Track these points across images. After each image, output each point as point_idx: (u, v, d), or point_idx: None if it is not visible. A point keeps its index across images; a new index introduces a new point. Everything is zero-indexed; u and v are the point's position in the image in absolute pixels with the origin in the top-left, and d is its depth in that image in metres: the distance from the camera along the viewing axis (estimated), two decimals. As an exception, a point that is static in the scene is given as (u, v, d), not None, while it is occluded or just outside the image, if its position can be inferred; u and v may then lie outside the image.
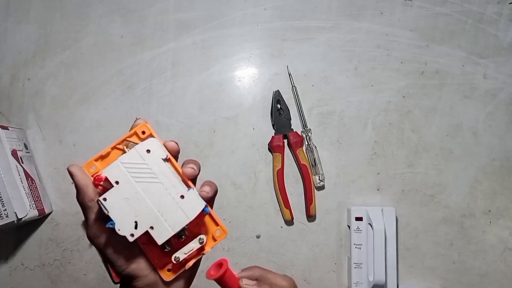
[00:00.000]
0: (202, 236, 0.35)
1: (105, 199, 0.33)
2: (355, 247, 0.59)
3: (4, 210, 0.52)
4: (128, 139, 0.35)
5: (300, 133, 0.62)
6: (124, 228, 0.32)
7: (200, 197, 0.34)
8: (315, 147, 0.62)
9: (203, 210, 0.34)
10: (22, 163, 0.57)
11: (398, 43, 0.64)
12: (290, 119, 0.63)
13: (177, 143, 0.34)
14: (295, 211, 0.62)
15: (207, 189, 0.34)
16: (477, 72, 0.63)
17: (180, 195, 0.33)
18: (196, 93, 0.63)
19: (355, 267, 0.58)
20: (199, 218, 0.34)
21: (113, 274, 0.61)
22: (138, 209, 0.33)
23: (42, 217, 0.61)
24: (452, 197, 0.62)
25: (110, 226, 0.32)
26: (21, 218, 0.53)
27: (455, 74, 0.63)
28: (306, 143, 0.62)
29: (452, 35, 0.64)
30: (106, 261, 0.36)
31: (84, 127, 0.63)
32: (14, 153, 0.56)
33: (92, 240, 0.34)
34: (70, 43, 0.64)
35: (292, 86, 0.63)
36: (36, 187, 0.59)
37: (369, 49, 0.64)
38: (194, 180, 0.35)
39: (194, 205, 0.33)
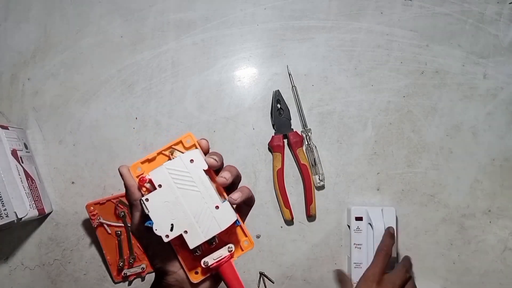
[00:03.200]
0: (231, 245, 0.37)
1: (147, 200, 0.35)
2: (355, 247, 0.59)
3: (4, 210, 0.52)
4: (173, 146, 0.38)
5: (300, 133, 0.62)
6: (161, 228, 0.35)
7: (233, 209, 0.36)
8: (315, 147, 0.62)
9: (234, 222, 0.36)
10: (22, 163, 0.57)
11: (398, 43, 0.64)
12: (290, 119, 0.63)
13: (207, 141, 0.38)
14: (295, 211, 0.62)
15: (235, 196, 0.36)
16: (477, 72, 0.63)
17: (215, 205, 0.35)
18: (196, 93, 0.63)
19: (355, 267, 0.58)
20: (230, 228, 0.36)
21: (114, 274, 0.61)
22: (175, 213, 0.35)
23: (42, 217, 0.61)
24: (452, 197, 0.62)
25: (149, 225, 0.35)
26: (21, 218, 0.53)
27: (455, 74, 0.63)
28: (306, 143, 0.62)
29: (452, 35, 0.64)
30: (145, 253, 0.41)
31: (84, 127, 0.63)
32: (14, 153, 0.56)
33: (134, 234, 0.39)
34: (70, 43, 0.64)
35: (292, 86, 0.63)
36: (36, 187, 0.59)
37: (369, 49, 0.64)
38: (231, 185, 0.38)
39: (227, 216, 0.36)
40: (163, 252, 0.38)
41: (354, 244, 0.59)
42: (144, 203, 0.35)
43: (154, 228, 0.35)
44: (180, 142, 0.38)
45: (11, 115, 0.63)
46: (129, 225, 0.60)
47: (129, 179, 0.37)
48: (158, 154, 0.38)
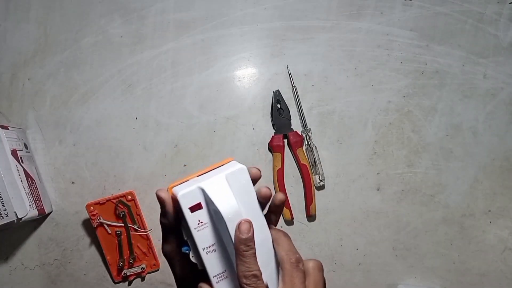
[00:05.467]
0: None
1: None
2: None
3: (4, 210, 0.52)
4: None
5: (300, 133, 0.62)
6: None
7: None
8: (315, 147, 0.62)
9: None
10: (22, 163, 0.57)
11: (398, 43, 0.64)
12: (290, 119, 0.63)
13: (259, 170, 0.35)
14: (295, 211, 0.62)
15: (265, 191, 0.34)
16: (477, 72, 0.63)
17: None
18: (196, 93, 0.63)
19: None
20: None
21: (113, 274, 0.61)
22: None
23: (42, 217, 0.61)
24: (452, 197, 0.62)
25: (186, 251, 0.33)
26: (21, 218, 0.53)
27: (455, 74, 0.63)
28: (306, 143, 0.62)
29: (452, 35, 0.64)
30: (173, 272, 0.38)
31: (84, 127, 0.63)
32: (14, 153, 0.56)
33: (165, 255, 0.36)
34: (70, 43, 0.64)
35: (292, 86, 0.63)
36: (36, 187, 0.59)
37: (369, 49, 0.64)
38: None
39: None
40: (193, 275, 0.36)
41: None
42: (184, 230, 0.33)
43: (190, 255, 0.33)
44: (222, 166, 0.35)
45: (11, 115, 0.63)
46: (129, 225, 0.60)
47: (170, 205, 0.34)
48: (198, 176, 0.35)
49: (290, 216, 0.61)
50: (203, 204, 0.32)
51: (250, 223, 0.32)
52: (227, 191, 0.31)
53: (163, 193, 0.34)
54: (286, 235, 0.35)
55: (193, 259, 0.33)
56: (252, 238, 0.31)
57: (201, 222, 0.32)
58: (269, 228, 0.34)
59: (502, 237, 0.61)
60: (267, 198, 0.34)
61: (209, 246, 0.32)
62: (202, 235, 0.32)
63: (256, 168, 0.35)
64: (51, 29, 0.64)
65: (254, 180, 0.34)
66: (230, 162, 0.34)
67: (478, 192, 0.62)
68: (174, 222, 0.34)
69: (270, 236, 0.33)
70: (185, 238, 0.33)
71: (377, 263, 0.61)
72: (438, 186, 0.62)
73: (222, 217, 0.30)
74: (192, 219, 0.31)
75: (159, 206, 0.34)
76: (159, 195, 0.34)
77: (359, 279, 0.61)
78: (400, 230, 0.61)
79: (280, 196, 0.36)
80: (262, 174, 0.35)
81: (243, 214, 0.32)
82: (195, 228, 0.32)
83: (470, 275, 0.61)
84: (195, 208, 0.32)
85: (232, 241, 0.31)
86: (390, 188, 0.62)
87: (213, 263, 0.32)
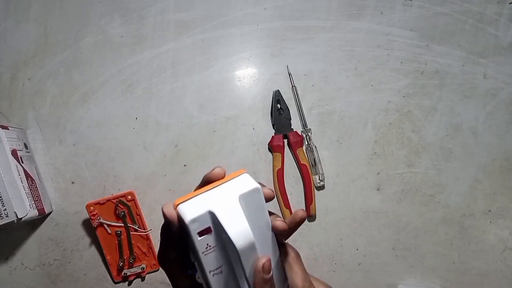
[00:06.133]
0: None
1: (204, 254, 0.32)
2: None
3: (4, 210, 0.52)
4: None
5: (300, 133, 0.62)
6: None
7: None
8: (315, 147, 0.62)
9: None
10: (22, 163, 0.57)
11: (398, 43, 0.64)
12: (290, 119, 0.63)
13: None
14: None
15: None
16: (477, 72, 0.63)
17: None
18: (196, 93, 0.63)
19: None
20: None
21: (113, 274, 0.61)
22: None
23: (42, 217, 0.61)
24: (452, 197, 0.62)
25: (192, 274, 0.33)
26: (21, 218, 0.53)
27: (455, 74, 0.63)
28: (306, 143, 0.62)
29: (452, 35, 0.64)
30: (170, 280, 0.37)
31: (84, 127, 0.63)
32: (14, 153, 0.56)
33: (163, 266, 0.35)
34: (70, 43, 0.64)
35: (292, 86, 0.63)
36: (36, 187, 0.59)
37: (369, 49, 0.64)
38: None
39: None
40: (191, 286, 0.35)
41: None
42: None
43: (196, 277, 0.32)
44: (233, 179, 0.33)
45: (11, 115, 0.63)
46: (129, 225, 0.60)
47: (176, 224, 0.31)
48: (207, 191, 0.32)
49: (290, 216, 0.61)
50: (212, 228, 0.30)
51: (270, 260, 0.30)
52: (241, 218, 0.29)
53: (170, 210, 0.31)
54: (297, 256, 0.34)
55: (199, 280, 0.32)
56: (272, 277, 0.30)
57: (209, 246, 0.30)
58: (280, 244, 0.33)
59: (502, 237, 0.61)
60: (282, 231, 0.33)
61: (216, 269, 0.31)
62: (210, 258, 0.30)
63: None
64: (51, 29, 0.64)
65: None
66: (242, 176, 0.32)
67: (478, 192, 0.62)
68: (177, 239, 0.32)
69: (280, 258, 0.33)
70: (192, 260, 0.32)
71: (377, 263, 0.61)
72: (438, 186, 0.62)
73: (236, 248, 0.29)
74: (200, 243, 0.30)
75: (160, 209, 0.33)
76: (166, 214, 0.31)
77: (359, 279, 0.61)
78: (400, 230, 0.61)
79: (301, 213, 0.33)
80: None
81: (258, 247, 0.30)
82: (202, 252, 0.30)
83: (470, 275, 0.61)
84: (204, 232, 0.30)
85: (242, 268, 0.30)
86: (390, 188, 0.62)
87: (219, 284, 0.31)
